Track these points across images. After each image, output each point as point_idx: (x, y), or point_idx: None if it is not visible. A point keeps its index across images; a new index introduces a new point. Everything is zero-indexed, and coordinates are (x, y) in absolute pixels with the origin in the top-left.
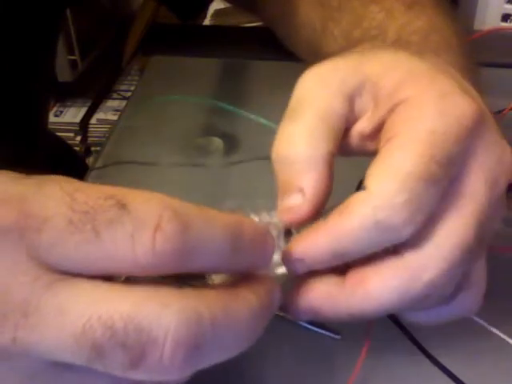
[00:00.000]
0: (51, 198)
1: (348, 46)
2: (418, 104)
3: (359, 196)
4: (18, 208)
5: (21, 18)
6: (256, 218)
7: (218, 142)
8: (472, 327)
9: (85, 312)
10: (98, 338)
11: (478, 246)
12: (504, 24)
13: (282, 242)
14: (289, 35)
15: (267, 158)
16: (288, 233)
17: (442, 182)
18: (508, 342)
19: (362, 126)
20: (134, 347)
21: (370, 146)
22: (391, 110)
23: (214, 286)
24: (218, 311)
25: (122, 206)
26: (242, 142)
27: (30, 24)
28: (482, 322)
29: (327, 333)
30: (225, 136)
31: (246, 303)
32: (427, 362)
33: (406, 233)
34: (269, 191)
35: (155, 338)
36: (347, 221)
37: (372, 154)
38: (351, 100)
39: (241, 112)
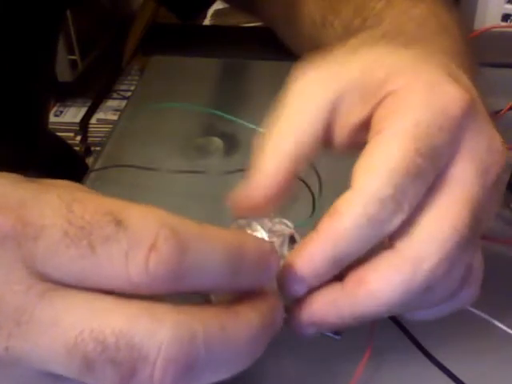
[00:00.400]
0: (49, 206)
1: (347, 36)
2: (404, 96)
3: (346, 196)
4: (15, 214)
5: (21, 18)
6: (258, 226)
7: (217, 143)
8: (473, 325)
9: (77, 324)
10: (89, 352)
11: (472, 234)
12: (503, 24)
13: (285, 250)
14: (289, 33)
15: None
16: (292, 240)
17: (429, 174)
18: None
19: (352, 122)
20: (125, 363)
21: (363, 139)
22: (378, 104)
23: (213, 303)
24: (215, 329)
25: (119, 222)
26: (242, 141)
27: (30, 24)
28: (484, 315)
29: (327, 333)
30: (225, 136)
31: (245, 321)
32: (427, 361)
33: (396, 222)
34: None
35: (146, 354)
36: (339, 223)
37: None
38: (333, 109)
39: (238, 120)
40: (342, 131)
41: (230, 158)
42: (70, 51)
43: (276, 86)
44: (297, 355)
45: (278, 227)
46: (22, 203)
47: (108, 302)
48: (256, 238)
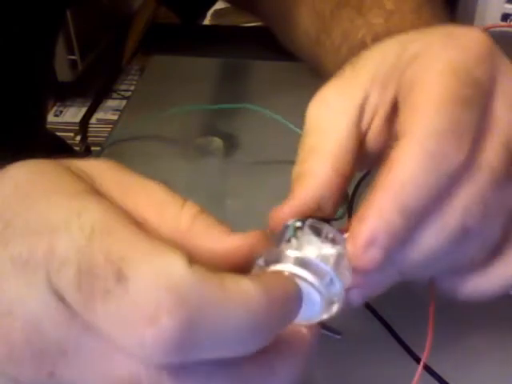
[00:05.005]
0: (71, 236)
1: (337, 62)
2: (424, 55)
3: (399, 144)
4: (46, 240)
5: (21, 18)
6: (294, 247)
7: (217, 142)
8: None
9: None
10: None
11: (505, 177)
12: (503, 23)
13: (344, 269)
14: (288, 39)
15: (267, 157)
16: (317, 231)
17: (476, 104)
18: None
19: (383, 114)
20: None
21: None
22: (401, 79)
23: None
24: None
25: (121, 277)
26: (242, 141)
27: (30, 24)
28: None
29: (328, 333)
30: (225, 136)
31: (273, 377)
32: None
33: (459, 156)
34: (268, 191)
35: None
36: (401, 169)
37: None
38: (360, 115)
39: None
40: (377, 130)
41: (229, 158)
42: (70, 51)
43: (276, 86)
44: None
45: (325, 251)
46: (51, 226)
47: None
48: (284, 286)
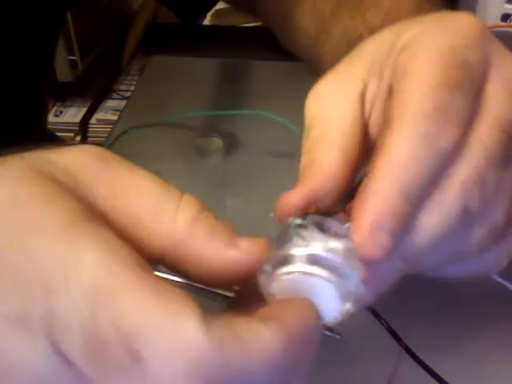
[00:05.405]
0: (71, 298)
1: (336, 61)
2: (417, 40)
3: (392, 130)
4: (44, 301)
5: (21, 18)
6: (300, 245)
7: (217, 142)
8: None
9: None
10: None
11: (505, 155)
12: (503, 23)
13: (355, 261)
14: (289, 39)
15: (267, 157)
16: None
17: (467, 87)
18: None
19: (378, 105)
20: None
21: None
22: (393, 72)
23: None
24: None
25: (137, 357)
26: (241, 141)
27: (30, 24)
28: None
29: (328, 333)
30: (225, 136)
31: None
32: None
33: (450, 136)
34: (268, 191)
35: None
36: (393, 153)
37: None
38: (361, 103)
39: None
40: (377, 119)
41: (229, 158)
42: (70, 51)
43: (276, 86)
44: None
45: (332, 245)
46: (47, 282)
47: None
48: (300, 315)
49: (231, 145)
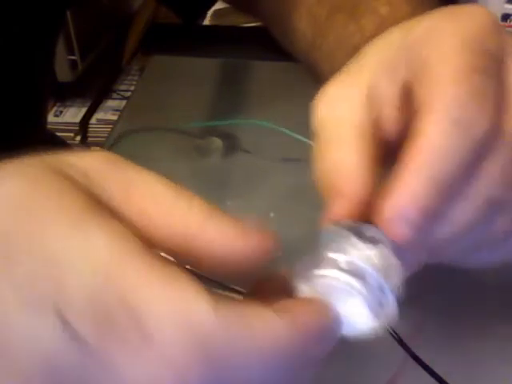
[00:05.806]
0: (83, 276)
1: (333, 66)
2: (434, 34)
3: (422, 118)
4: (54, 277)
5: (21, 18)
6: (336, 251)
7: (217, 142)
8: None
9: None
10: None
11: None
12: (503, 23)
13: (391, 268)
14: (287, 40)
15: (267, 158)
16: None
17: (491, 73)
18: None
19: (392, 102)
20: None
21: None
22: (409, 65)
23: None
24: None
25: (143, 331)
26: (241, 141)
27: (30, 24)
28: None
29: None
30: (225, 136)
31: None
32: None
33: (484, 124)
34: (268, 191)
35: None
36: (428, 138)
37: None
38: (371, 101)
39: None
40: (392, 116)
41: (229, 158)
42: (70, 51)
43: (276, 86)
44: None
45: (366, 252)
46: (58, 262)
47: None
48: (315, 313)
49: (231, 145)
